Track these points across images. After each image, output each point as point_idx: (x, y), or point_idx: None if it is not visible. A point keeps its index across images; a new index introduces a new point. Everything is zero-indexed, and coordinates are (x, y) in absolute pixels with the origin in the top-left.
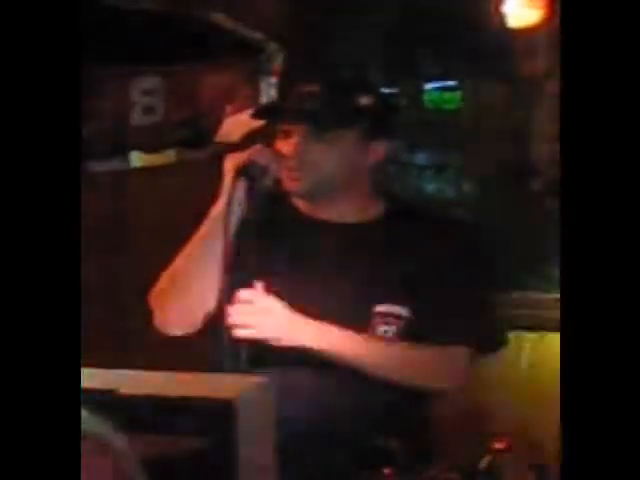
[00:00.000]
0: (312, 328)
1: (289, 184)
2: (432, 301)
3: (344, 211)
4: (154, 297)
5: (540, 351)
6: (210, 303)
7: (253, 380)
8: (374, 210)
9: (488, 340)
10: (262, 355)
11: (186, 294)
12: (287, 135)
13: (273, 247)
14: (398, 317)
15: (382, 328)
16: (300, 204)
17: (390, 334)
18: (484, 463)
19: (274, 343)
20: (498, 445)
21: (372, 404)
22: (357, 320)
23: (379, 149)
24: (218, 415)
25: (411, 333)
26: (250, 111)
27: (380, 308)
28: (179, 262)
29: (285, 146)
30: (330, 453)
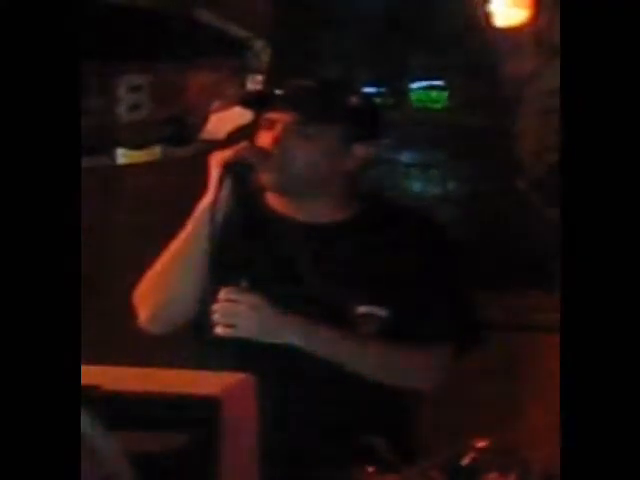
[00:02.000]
0: (297, 325)
1: (265, 177)
2: (412, 300)
3: (320, 211)
4: (138, 296)
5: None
6: (193, 301)
7: (236, 377)
8: (349, 211)
9: (469, 337)
10: (245, 353)
11: (169, 293)
12: (270, 126)
13: (251, 247)
14: (378, 318)
15: (362, 329)
16: (276, 203)
17: (371, 334)
18: (466, 461)
19: (258, 339)
20: (480, 443)
21: (356, 401)
22: (338, 322)
23: (360, 151)
24: (201, 411)
25: (392, 333)
26: (236, 109)
27: (361, 309)
28: (162, 261)
29: (267, 137)
30: (314, 450)
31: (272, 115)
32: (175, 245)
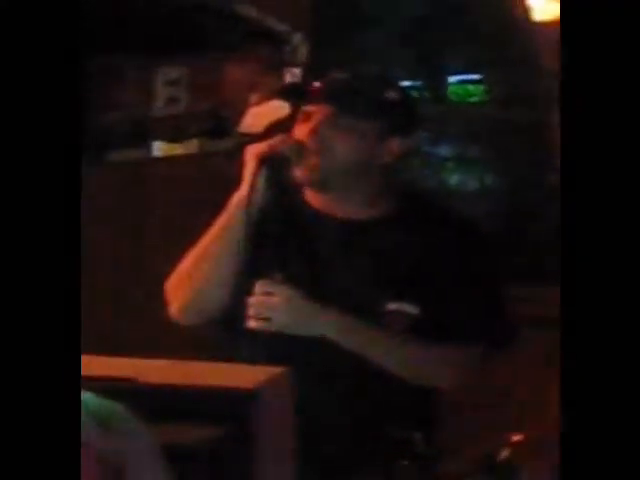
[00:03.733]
0: (331, 317)
1: (302, 172)
2: (444, 299)
3: (355, 206)
4: (170, 287)
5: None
6: (225, 294)
7: (272, 370)
8: (384, 207)
9: (501, 337)
10: (281, 346)
11: (201, 285)
12: (306, 119)
13: (286, 241)
14: (409, 315)
15: (392, 326)
16: (311, 198)
17: (401, 332)
18: (502, 456)
19: (292, 332)
20: (516, 438)
21: (392, 395)
22: (368, 317)
23: (395, 145)
24: (237, 405)
25: (422, 331)
26: (274, 102)
27: (391, 306)
28: (195, 253)
29: (304, 129)
30: (349, 444)
31: (309, 108)
32: (208, 237)
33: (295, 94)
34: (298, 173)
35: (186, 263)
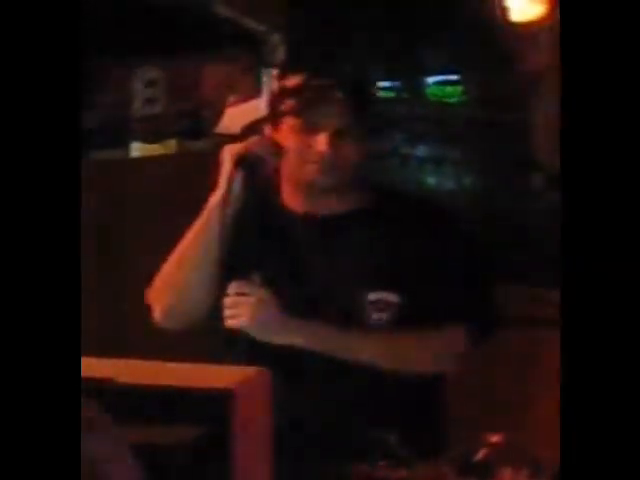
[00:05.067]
0: (301, 328)
1: (313, 176)
2: (424, 285)
3: (332, 202)
4: (152, 292)
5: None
6: (206, 297)
7: (251, 370)
8: (356, 200)
9: (484, 321)
10: (259, 346)
11: (182, 289)
12: (314, 130)
13: (262, 239)
14: (391, 304)
15: (375, 316)
16: (289, 197)
17: (384, 321)
18: (479, 456)
19: (260, 337)
20: (494, 439)
21: (370, 396)
22: (350, 309)
23: (367, 145)
24: (216, 405)
25: (405, 319)
26: (252, 103)
27: (372, 296)
28: (175, 256)
29: (311, 141)
30: (327, 445)
31: (316, 115)
32: (186, 240)
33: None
34: (306, 176)
35: (167, 267)
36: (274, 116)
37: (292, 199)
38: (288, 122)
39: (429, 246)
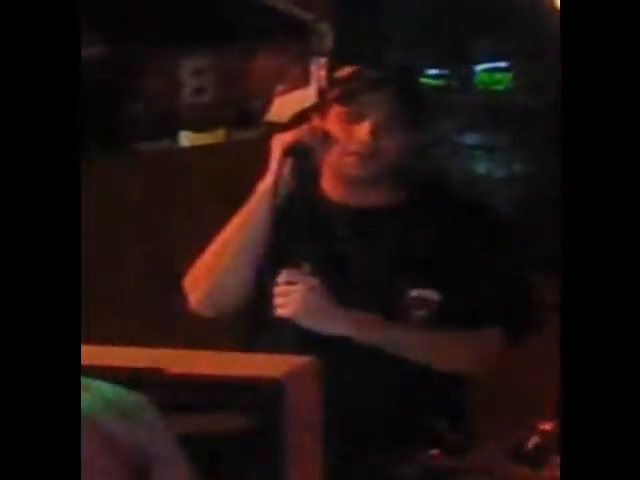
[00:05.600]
0: (350, 318)
1: (351, 168)
2: (463, 284)
3: (373, 196)
4: (190, 279)
5: None
6: (248, 284)
7: (301, 360)
8: (401, 194)
9: (521, 321)
10: (308, 335)
11: (225, 276)
12: (357, 119)
13: (311, 232)
14: (431, 301)
15: (416, 312)
16: (329, 188)
17: (424, 318)
18: (531, 445)
19: (311, 327)
20: (544, 426)
21: (421, 385)
22: (391, 305)
23: (414, 137)
24: (266, 394)
25: (444, 317)
26: (300, 92)
27: (414, 293)
28: (218, 244)
29: (354, 131)
30: (379, 433)
31: (362, 104)
32: (231, 228)
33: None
34: (347, 168)
35: (208, 254)
36: (322, 105)
37: (332, 189)
38: (334, 111)
39: (468, 243)
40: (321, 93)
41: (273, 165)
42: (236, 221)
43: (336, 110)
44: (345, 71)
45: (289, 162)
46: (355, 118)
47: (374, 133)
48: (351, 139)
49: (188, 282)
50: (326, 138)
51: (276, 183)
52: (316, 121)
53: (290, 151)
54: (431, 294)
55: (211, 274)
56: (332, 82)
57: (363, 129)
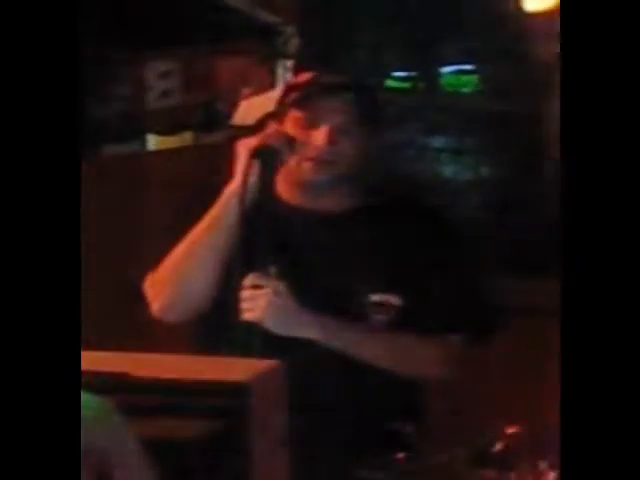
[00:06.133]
0: (315, 321)
1: (308, 174)
2: (424, 290)
3: (333, 200)
4: (152, 284)
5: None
6: (213, 288)
7: (266, 364)
8: (361, 199)
9: (484, 326)
10: (273, 339)
11: (190, 281)
12: (312, 124)
13: (272, 235)
14: (392, 306)
15: (376, 317)
16: (285, 191)
17: (384, 323)
18: (497, 448)
19: (277, 331)
20: (510, 430)
21: (386, 389)
22: (351, 309)
23: (372, 142)
24: (232, 398)
25: (405, 322)
26: (267, 94)
27: (374, 297)
28: (183, 247)
29: (311, 136)
30: (344, 436)
31: (319, 109)
32: (197, 231)
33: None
34: (302, 173)
35: (171, 259)
36: (280, 110)
37: (290, 193)
38: (292, 116)
39: (429, 248)
40: (280, 97)
41: (239, 169)
42: (202, 225)
43: (294, 115)
44: (302, 76)
45: (256, 166)
46: (312, 123)
47: (331, 138)
48: (309, 144)
49: (150, 287)
50: (291, 142)
51: (243, 187)
52: (275, 126)
53: (256, 154)
54: (392, 299)
55: (175, 279)
56: (290, 87)
57: (320, 134)
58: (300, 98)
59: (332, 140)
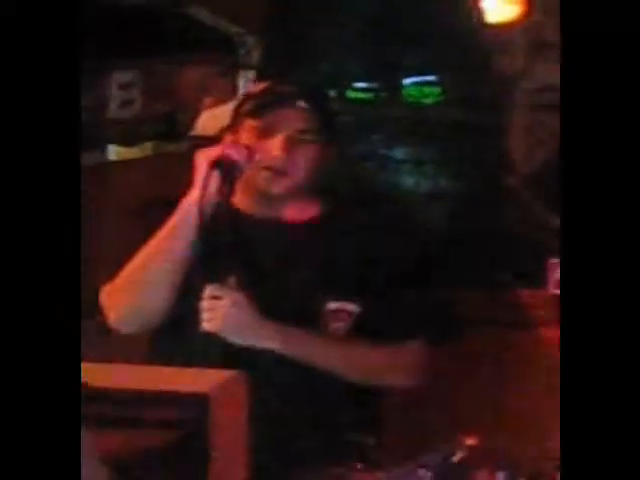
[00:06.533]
0: (274, 331)
1: (266, 184)
2: (382, 296)
3: (289, 209)
4: (109, 295)
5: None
6: (170, 299)
7: (225, 374)
8: (316, 209)
9: (442, 332)
10: (232, 350)
11: (146, 291)
12: (267, 134)
13: (230, 245)
14: (349, 313)
15: (334, 325)
16: (243, 201)
17: (342, 331)
18: (456, 459)
19: (237, 341)
20: (469, 441)
21: (344, 399)
22: (309, 317)
23: (328, 152)
24: (192, 409)
25: (363, 329)
26: (228, 105)
27: (331, 305)
28: (141, 258)
29: (267, 145)
30: (303, 446)
31: (274, 119)
32: (155, 242)
33: (258, 104)
34: (261, 184)
35: (128, 270)
36: (236, 119)
37: (247, 203)
38: (248, 125)
39: (384, 256)
40: (235, 108)
41: (198, 179)
42: (159, 235)
43: (250, 124)
44: (257, 86)
45: (214, 176)
46: (267, 133)
47: (285, 147)
48: (264, 154)
49: (106, 297)
50: (251, 152)
51: (202, 197)
52: (231, 136)
53: (215, 165)
54: (350, 306)
55: (132, 289)
56: (245, 97)
57: (275, 144)
58: (255, 107)
59: (286, 149)
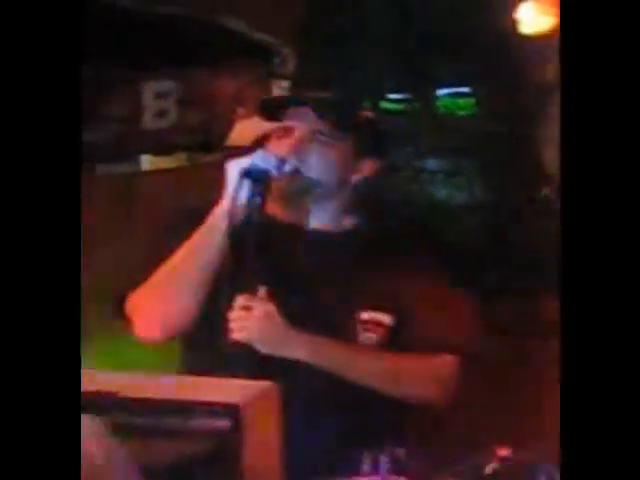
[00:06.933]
0: (305, 342)
1: (278, 183)
2: (415, 310)
3: (325, 220)
4: (136, 303)
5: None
6: (196, 307)
7: (259, 385)
8: (352, 220)
9: (474, 347)
10: (263, 361)
11: (173, 300)
12: (285, 134)
13: (261, 255)
14: (382, 325)
15: (366, 335)
16: (275, 210)
17: (374, 342)
18: (489, 470)
19: (266, 351)
20: (501, 452)
21: (378, 410)
22: (341, 327)
23: (366, 166)
24: (224, 420)
25: (395, 341)
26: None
27: (364, 315)
28: (169, 267)
29: (282, 145)
30: (335, 460)
31: (288, 123)
32: (183, 251)
33: (275, 109)
34: (275, 185)
35: (156, 277)
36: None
37: (281, 211)
38: (277, 135)
39: (416, 270)
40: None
41: (229, 189)
42: (189, 244)
43: (278, 134)
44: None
45: (244, 186)
46: (285, 132)
47: (297, 147)
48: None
49: (133, 306)
50: (280, 162)
51: (232, 207)
52: (261, 145)
53: (245, 175)
54: (382, 317)
55: (160, 297)
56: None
57: (287, 143)
58: (277, 114)
59: (295, 146)
